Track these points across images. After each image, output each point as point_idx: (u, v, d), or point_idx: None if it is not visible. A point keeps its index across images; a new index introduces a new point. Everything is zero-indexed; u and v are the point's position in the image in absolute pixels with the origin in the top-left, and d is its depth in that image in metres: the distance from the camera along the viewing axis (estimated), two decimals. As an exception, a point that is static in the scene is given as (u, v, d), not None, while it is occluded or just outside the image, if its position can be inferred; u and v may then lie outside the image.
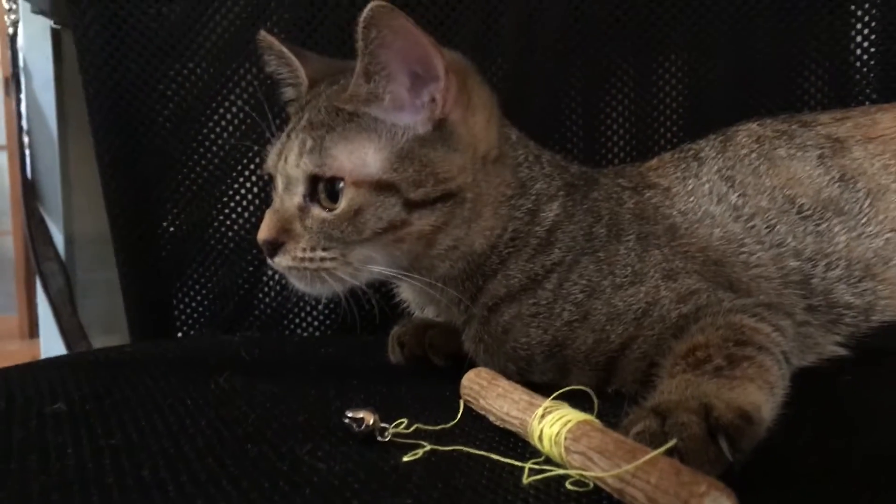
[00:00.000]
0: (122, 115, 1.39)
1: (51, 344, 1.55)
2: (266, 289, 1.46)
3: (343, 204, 0.89)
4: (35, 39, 1.55)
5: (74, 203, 1.59)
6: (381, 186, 0.89)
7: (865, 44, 1.38)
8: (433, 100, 0.91)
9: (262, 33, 1.06)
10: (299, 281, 0.94)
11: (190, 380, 0.95)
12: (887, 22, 1.36)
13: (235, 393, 0.89)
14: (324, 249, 0.90)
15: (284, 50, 1.04)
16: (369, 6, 0.83)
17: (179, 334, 1.47)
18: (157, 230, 1.43)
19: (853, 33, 1.38)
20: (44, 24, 1.53)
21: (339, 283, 0.92)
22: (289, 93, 1.09)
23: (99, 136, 1.39)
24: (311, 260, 0.91)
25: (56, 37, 1.55)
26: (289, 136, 0.96)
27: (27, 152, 1.58)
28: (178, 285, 1.45)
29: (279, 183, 0.95)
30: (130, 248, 1.43)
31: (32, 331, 1.64)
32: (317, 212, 0.91)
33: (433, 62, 0.89)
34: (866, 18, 1.37)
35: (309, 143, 0.91)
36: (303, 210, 0.92)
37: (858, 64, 1.38)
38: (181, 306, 1.46)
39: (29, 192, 1.56)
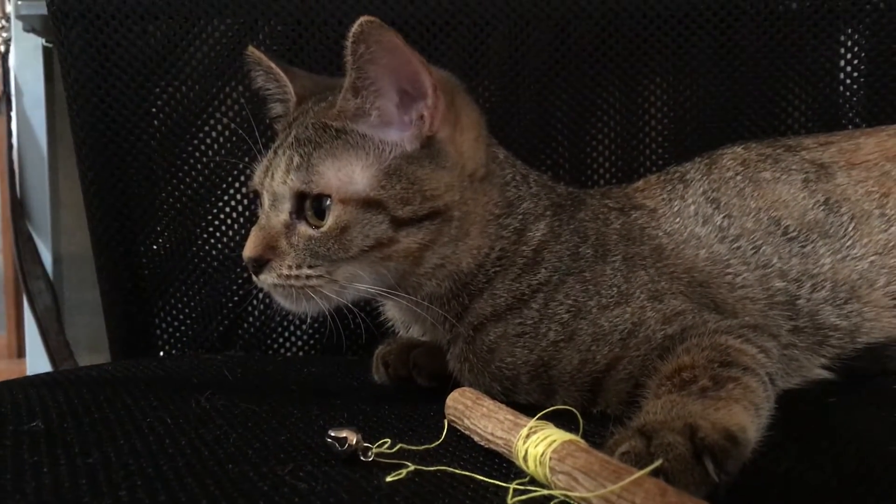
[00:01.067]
0: (107, 133, 1.38)
1: (37, 363, 1.54)
2: (250, 308, 1.45)
3: (330, 221, 0.89)
4: (27, 58, 1.55)
5: (63, 221, 1.59)
6: (369, 204, 0.88)
7: (849, 68, 1.40)
8: (421, 117, 0.91)
9: (251, 48, 1.06)
10: (285, 299, 0.93)
11: (171, 399, 0.93)
12: (874, 46, 1.38)
13: (217, 412, 0.88)
14: (310, 267, 0.90)
15: (273, 65, 1.04)
16: (359, 21, 0.83)
17: (162, 354, 1.45)
18: (139, 248, 1.42)
19: (839, 57, 1.39)
20: (35, 43, 1.53)
21: (325, 300, 0.92)
22: (276, 109, 1.09)
23: (83, 153, 1.38)
24: (297, 277, 0.90)
25: (48, 55, 1.55)
26: (276, 152, 0.96)
27: (16, 170, 1.57)
28: (160, 304, 1.44)
29: (265, 200, 0.94)
30: (113, 266, 1.41)
31: (21, 350, 1.62)
32: (303, 229, 0.91)
33: (421, 79, 0.89)
34: (849, 43, 1.39)
35: (296, 159, 0.91)
36: (289, 227, 0.92)
37: (842, 88, 1.40)
38: (164, 325, 1.45)
39: (17, 210, 1.55)
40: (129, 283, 1.42)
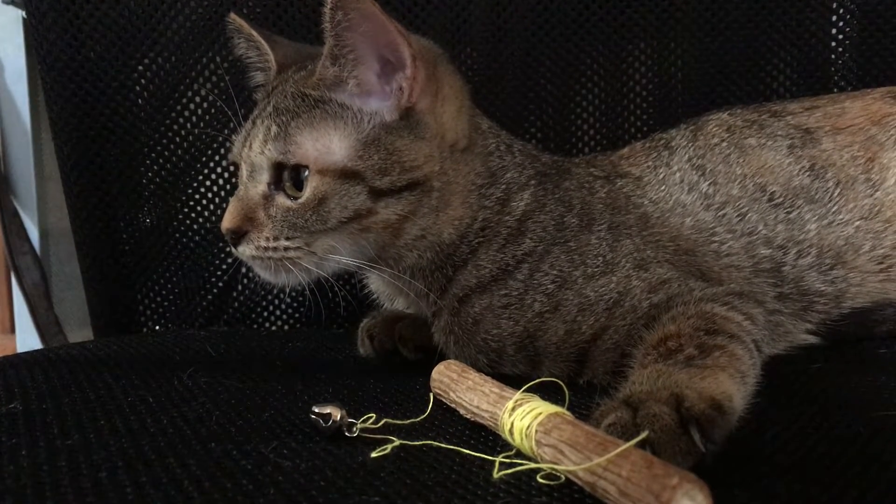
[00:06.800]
0: (82, 106, 1.35)
1: (27, 338, 1.53)
2: (234, 282, 1.44)
3: (307, 192, 0.87)
4: (7, 30, 1.51)
5: (49, 196, 1.56)
6: (346, 175, 0.87)
7: (834, 31, 1.38)
8: (401, 88, 0.90)
9: (232, 15, 1.04)
10: (263, 271, 0.93)
11: (152, 377, 0.92)
12: (867, 8, 1.36)
13: (199, 390, 0.87)
14: (287, 239, 0.89)
15: (254, 33, 1.02)
16: None
17: (145, 330, 1.44)
18: (119, 224, 1.40)
19: (828, 21, 1.38)
20: (15, 15, 1.50)
21: (304, 273, 0.91)
22: (257, 77, 1.08)
23: (58, 127, 1.36)
24: (275, 249, 0.89)
25: (29, 27, 1.51)
26: (254, 122, 0.94)
27: (0, 145, 1.54)
28: (143, 280, 1.42)
29: (244, 170, 0.93)
30: (93, 242, 1.40)
31: (13, 325, 1.62)
32: (281, 200, 0.89)
33: (400, 49, 0.87)
34: (834, 6, 1.37)
35: (274, 129, 0.90)
36: (267, 198, 0.91)
37: (827, 51, 1.38)
38: (146, 301, 1.43)
39: (2, 185, 1.52)
40: (110, 260, 1.41)
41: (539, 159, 1.03)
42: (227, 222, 0.91)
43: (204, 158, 1.40)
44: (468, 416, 0.74)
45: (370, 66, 0.89)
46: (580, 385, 0.88)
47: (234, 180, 1.36)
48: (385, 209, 0.89)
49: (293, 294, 1.43)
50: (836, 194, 1.00)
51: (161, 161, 1.39)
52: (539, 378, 0.74)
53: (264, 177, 0.91)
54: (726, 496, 0.51)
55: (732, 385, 0.66)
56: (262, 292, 1.44)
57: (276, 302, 1.45)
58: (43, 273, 1.53)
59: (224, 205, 1.40)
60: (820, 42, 1.38)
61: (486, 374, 0.77)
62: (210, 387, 0.89)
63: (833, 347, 0.98)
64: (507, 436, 0.65)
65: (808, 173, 1.01)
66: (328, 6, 0.84)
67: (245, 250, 0.91)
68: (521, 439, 0.62)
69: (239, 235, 0.90)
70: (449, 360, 0.84)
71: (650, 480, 0.48)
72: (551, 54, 1.39)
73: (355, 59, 0.88)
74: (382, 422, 0.73)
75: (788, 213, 0.99)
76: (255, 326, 1.45)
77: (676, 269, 0.93)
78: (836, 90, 1.37)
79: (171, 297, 1.43)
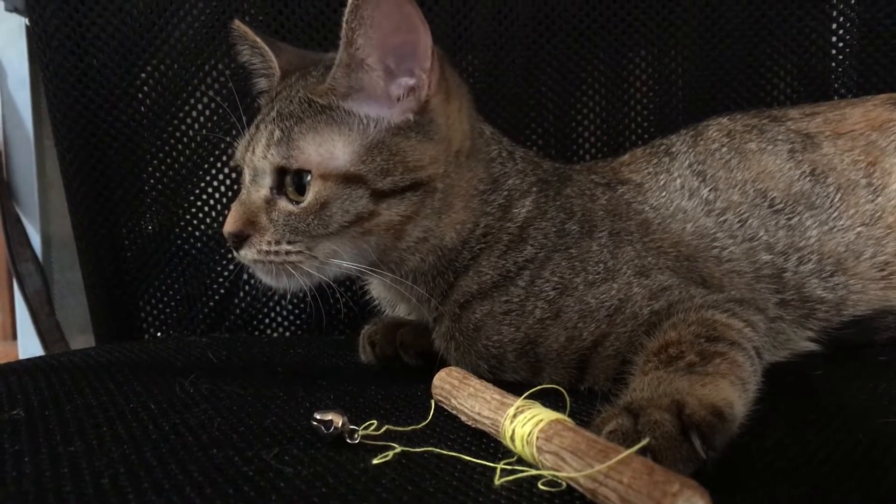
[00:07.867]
0: (85, 113, 1.35)
1: (29, 344, 1.53)
2: (235, 289, 1.44)
3: (310, 197, 0.88)
4: (10, 37, 1.52)
5: (51, 203, 1.57)
6: (349, 179, 0.87)
7: (834, 38, 1.38)
8: (412, 89, 0.90)
9: (237, 22, 1.05)
10: (265, 275, 0.93)
11: (154, 383, 0.92)
12: (866, 15, 1.36)
13: (201, 396, 0.87)
14: (289, 243, 0.89)
15: (258, 40, 1.03)
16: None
17: (147, 337, 1.44)
18: (122, 230, 1.40)
19: (828, 29, 1.38)
20: (19, 22, 1.50)
21: (306, 277, 0.91)
22: (261, 83, 1.08)
23: (61, 134, 1.36)
24: (277, 253, 0.89)
25: (31, 34, 1.51)
26: (258, 127, 0.95)
27: (2, 151, 1.54)
28: (144, 287, 1.43)
29: (246, 174, 0.94)
30: (95, 248, 1.40)
31: (15, 332, 1.63)
32: (283, 205, 0.90)
33: (424, 41, 0.87)
34: (834, 14, 1.38)
35: (277, 134, 0.90)
36: (269, 202, 0.91)
37: (827, 59, 1.39)
38: (148, 308, 1.43)
39: (4, 191, 1.52)
40: (112, 266, 1.41)
41: (540, 166, 1.04)
42: (229, 226, 0.91)
43: (206, 166, 1.40)
44: (469, 423, 0.74)
45: (379, 73, 0.89)
46: (581, 392, 0.88)
47: (236, 188, 1.37)
48: (387, 210, 0.89)
49: (294, 300, 1.43)
50: (836, 199, 1.00)
51: (163, 168, 1.40)
52: (540, 385, 0.74)
53: (267, 181, 0.91)
54: (727, 503, 0.51)
55: (733, 392, 0.67)
56: (264, 299, 1.44)
57: (278, 308, 1.45)
58: (45, 279, 1.54)
59: (226, 212, 1.39)
60: (820, 50, 1.38)
61: (488, 381, 0.77)
62: (212, 393, 0.89)
63: (834, 355, 0.98)
64: (508, 442, 0.65)
65: (808, 178, 1.01)
66: (345, 18, 0.84)
67: (247, 254, 0.91)
68: (523, 446, 0.62)
69: (241, 239, 0.91)
70: (450, 367, 0.84)
71: (651, 487, 0.48)
72: (552, 61, 1.40)
73: (368, 64, 0.88)
74: (384, 428, 0.73)
75: (789, 218, 0.99)
76: (257, 333, 1.45)
77: (677, 276, 0.93)
78: (836, 98, 1.37)
79: (172, 303, 1.43)
